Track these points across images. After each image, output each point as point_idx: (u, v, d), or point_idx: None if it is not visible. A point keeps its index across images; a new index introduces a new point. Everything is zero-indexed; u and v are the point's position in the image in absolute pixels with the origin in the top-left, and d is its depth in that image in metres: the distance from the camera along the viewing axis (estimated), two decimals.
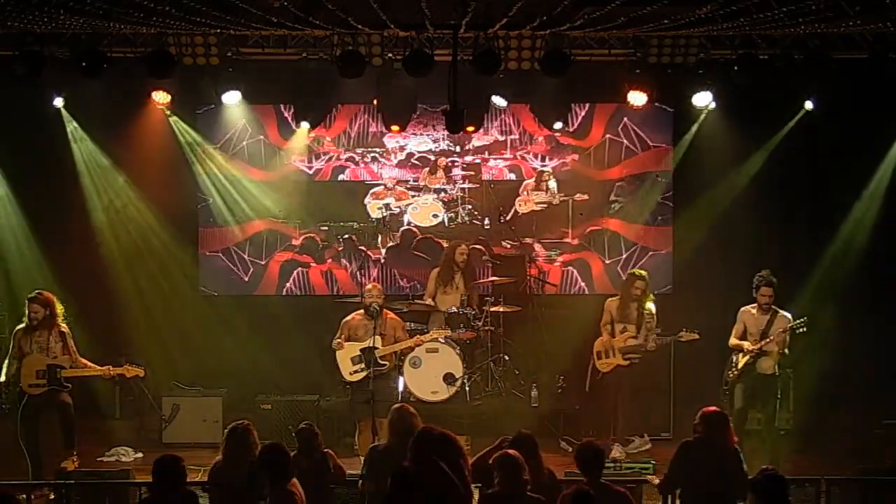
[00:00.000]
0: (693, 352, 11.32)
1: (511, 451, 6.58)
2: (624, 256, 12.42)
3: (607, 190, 12.39)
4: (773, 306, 9.81)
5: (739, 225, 11.90)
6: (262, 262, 12.42)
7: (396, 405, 7.84)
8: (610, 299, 10.67)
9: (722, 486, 7.19)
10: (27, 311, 9.62)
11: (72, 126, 11.64)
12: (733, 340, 9.95)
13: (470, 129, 10.90)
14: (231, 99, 11.11)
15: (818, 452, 10.22)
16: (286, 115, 12.06)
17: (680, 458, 7.43)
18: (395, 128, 11.17)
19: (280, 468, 6.71)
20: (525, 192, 12.38)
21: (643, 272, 10.63)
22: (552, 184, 12.35)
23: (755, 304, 9.87)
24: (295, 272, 12.43)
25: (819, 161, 11.66)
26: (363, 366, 10.18)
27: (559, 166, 12.36)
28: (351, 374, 10.27)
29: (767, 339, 9.71)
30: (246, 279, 12.42)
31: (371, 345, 10.07)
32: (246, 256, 12.41)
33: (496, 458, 6.55)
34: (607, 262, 12.43)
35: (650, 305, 10.41)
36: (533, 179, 12.37)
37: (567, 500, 6.22)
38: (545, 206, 12.38)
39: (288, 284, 12.42)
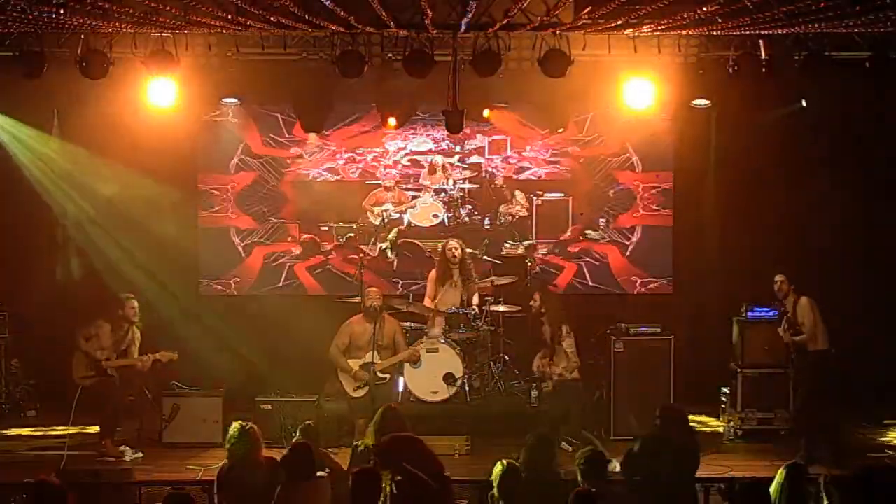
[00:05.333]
0: (693, 352, 11.36)
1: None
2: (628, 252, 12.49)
3: (606, 192, 12.44)
4: (792, 293, 10.18)
5: (740, 224, 11.91)
6: (263, 263, 12.43)
7: (383, 407, 7.90)
8: None
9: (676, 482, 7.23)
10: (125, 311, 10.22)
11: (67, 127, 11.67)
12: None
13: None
14: (231, 100, 11.12)
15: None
16: (286, 115, 12.06)
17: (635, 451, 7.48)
18: (391, 122, 11.16)
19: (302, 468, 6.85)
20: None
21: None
22: (518, 195, 12.39)
23: None
24: (295, 272, 12.43)
25: (819, 161, 11.67)
26: (364, 382, 10.17)
27: (559, 171, 12.38)
28: (355, 390, 10.25)
29: (800, 336, 10.06)
30: (245, 278, 12.42)
31: (370, 360, 10.08)
32: (246, 256, 12.42)
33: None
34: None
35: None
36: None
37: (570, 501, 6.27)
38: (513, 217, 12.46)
39: (288, 284, 12.42)
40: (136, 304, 10.42)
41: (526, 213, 12.44)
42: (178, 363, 11.32)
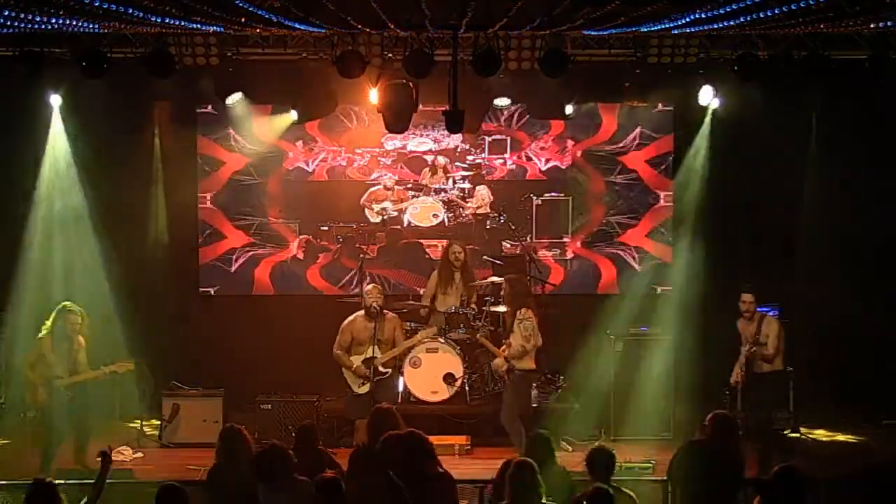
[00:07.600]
0: (694, 351, 11.36)
1: (521, 461, 6.61)
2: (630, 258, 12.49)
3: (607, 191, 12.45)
4: (757, 311, 9.96)
5: (740, 226, 11.92)
6: (262, 262, 12.43)
7: (376, 406, 7.94)
8: None
9: (721, 492, 7.19)
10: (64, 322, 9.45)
11: (66, 126, 11.64)
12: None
13: (468, 134, 10.92)
14: (231, 99, 11.12)
15: (818, 452, 10.22)
16: (284, 115, 12.05)
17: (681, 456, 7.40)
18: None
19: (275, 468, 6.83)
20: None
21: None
22: (481, 191, 12.36)
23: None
24: (294, 272, 12.44)
25: (819, 160, 11.69)
26: (367, 377, 10.13)
27: (560, 170, 12.39)
28: (359, 386, 10.21)
29: (754, 348, 9.81)
30: (245, 279, 12.43)
31: (371, 355, 10.06)
32: (246, 256, 12.42)
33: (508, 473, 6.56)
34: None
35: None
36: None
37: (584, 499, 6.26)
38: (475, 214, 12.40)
39: (287, 284, 12.42)
40: (76, 315, 9.48)
41: (487, 211, 12.33)
42: (178, 363, 11.38)
